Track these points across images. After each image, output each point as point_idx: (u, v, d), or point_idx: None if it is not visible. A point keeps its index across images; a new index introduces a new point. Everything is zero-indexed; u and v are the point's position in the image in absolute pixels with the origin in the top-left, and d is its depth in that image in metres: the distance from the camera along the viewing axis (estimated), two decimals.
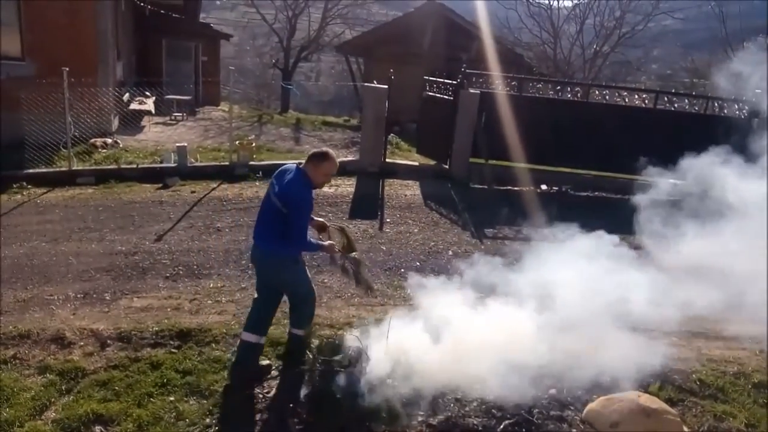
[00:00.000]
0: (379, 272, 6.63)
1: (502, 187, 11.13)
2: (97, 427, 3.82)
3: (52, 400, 4.10)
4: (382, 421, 3.80)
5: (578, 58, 25.10)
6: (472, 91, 11.37)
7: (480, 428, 3.80)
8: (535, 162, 11.52)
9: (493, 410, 3.98)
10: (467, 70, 11.70)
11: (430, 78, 12.77)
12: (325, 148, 4.35)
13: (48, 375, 4.39)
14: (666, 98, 12.31)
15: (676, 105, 12.11)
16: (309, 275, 4.41)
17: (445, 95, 11.80)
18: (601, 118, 11.45)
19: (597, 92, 12.67)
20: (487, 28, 20.02)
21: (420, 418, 3.87)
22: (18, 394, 4.13)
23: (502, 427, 3.81)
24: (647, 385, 4.36)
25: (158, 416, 3.89)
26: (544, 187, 11.40)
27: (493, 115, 11.31)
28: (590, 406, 4.02)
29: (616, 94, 12.68)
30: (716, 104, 12.24)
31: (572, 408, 4.08)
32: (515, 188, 11.13)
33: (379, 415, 3.84)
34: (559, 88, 12.87)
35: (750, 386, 4.60)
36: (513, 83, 12.17)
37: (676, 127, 11.29)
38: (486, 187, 11.18)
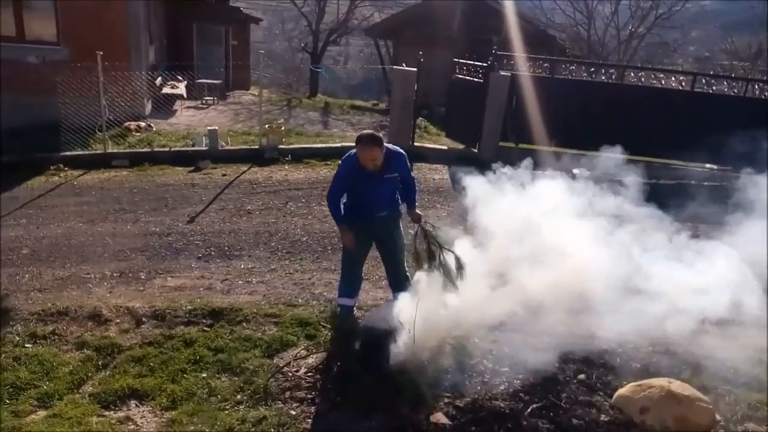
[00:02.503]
0: (407, 255, 6.62)
1: (532, 172, 10.97)
2: (132, 401, 3.94)
3: (89, 374, 4.24)
4: (409, 401, 3.82)
5: (613, 40, 24.53)
6: (502, 73, 11.20)
7: (507, 411, 3.78)
8: (567, 146, 11.33)
9: (520, 394, 3.96)
10: (498, 52, 11.52)
11: (460, 60, 12.61)
12: (365, 132, 4.41)
13: (85, 350, 4.54)
14: (704, 81, 11.94)
15: (714, 88, 11.75)
16: (353, 251, 4.55)
17: (475, 78, 11.65)
18: (636, 100, 11.17)
19: (632, 74, 12.36)
20: (518, 9, 19.64)
21: (446, 400, 3.88)
22: (57, 368, 4.27)
23: (529, 410, 3.79)
24: (679, 372, 4.29)
25: (191, 392, 3.99)
26: (576, 171, 11.19)
27: (524, 98, 11.13)
28: (620, 391, 3.97)
29: (652, 76, 12.35)
30: (756, 87, 11.85)
31: (601, 393, 4.04)
32: (546, 172, 10.95)
33: (405, 395, 3.86)
34: (592, 70, 12.58)
35: None
36: (545, 65, 11.95)
37: (714, 110, 10.96)
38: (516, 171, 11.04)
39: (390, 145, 4.44)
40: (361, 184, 4.40)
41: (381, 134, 4.54)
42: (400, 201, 4.69)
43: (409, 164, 4.60)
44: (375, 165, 4.28)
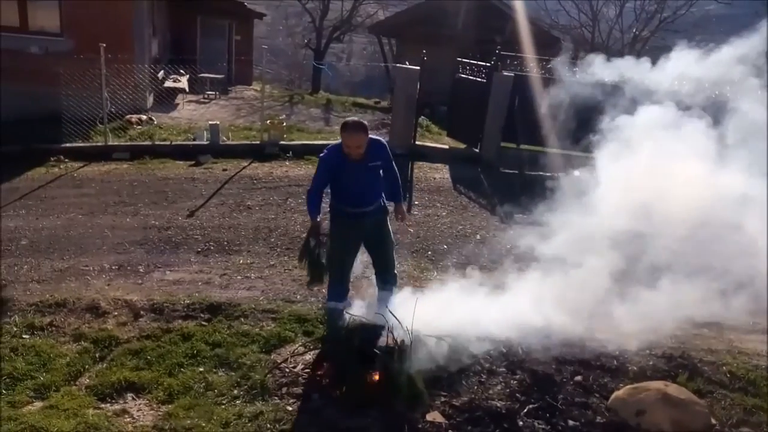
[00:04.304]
0: (406, 254, 6.63)
1: (533, 173, 10.96)
2: (128, 394, 3.95)
3: (87, 366, 4.24)
4: (405, 399, 3.82)
5: (617, 42, 24.46)
6: (505, 73, 11.18)
7: (503, 411, 3.78)
8: (569, 147, 11.30)
9: (517, 394, 3.97)
10: (501, 52, 11.50)
11: (463, 60, 12.59)
12: (350, 119, 4.36)
13: (83, 342, 4.54)
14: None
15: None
16: (340, 246, 4.46)
17: (478, 77, 11.63)
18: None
19: None
20: (523, 10, 19.60)
21: (443, 399, 3.89)
22: (54, 359, 4.28)
23: (525, 411, 3.79)
24: (676, 376, 4.29)
25: (188, 386, 3.99)
26: (577, 173, 11.17)
27: (527, 98, 11.11)
28: (616, 393, 3.97)
29: None
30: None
31: (597, 395, 4.04)
32: (547, 174, 10.95)
33: (401, 393, 3.86)
34: None
35: None
36: (548, 66, 11.92)
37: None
38: (517, 171, 11.04)
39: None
40: (346, 174, 4.29)
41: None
42: (384, 197, 4.60)
43: (390, 154, 4.53)
44: (359, 152, 4.21)
